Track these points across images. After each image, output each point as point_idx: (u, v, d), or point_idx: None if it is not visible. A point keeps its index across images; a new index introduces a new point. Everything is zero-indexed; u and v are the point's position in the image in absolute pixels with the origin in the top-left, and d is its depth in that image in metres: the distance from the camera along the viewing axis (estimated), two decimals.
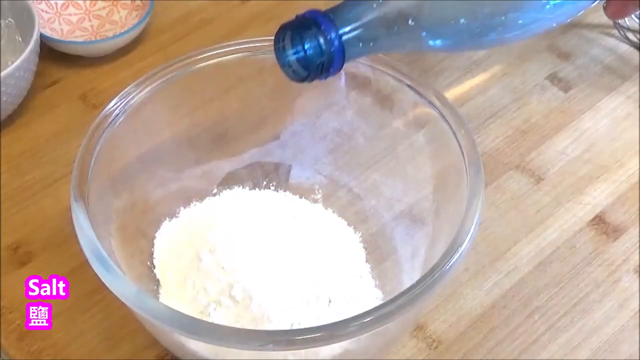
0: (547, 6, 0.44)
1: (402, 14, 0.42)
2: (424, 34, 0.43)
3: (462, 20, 0.43)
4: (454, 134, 0.48)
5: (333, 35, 0.41)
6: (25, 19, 0.63)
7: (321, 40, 0.41)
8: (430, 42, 0.44)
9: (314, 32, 0.41)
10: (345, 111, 0.55)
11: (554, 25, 0.47)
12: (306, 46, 0.41)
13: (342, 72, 0.43)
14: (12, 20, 0.66)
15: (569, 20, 0.47)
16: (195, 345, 0.44)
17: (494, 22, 0.44)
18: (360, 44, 0.42)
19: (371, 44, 0.43)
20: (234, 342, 0.40)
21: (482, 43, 0.47)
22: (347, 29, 0.41)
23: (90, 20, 0.70)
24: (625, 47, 0.69)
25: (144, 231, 0.52)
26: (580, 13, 0.46)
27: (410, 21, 0.42)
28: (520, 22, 0.44)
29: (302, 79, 0.43)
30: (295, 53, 0.43)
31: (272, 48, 0.44)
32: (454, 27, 0.44)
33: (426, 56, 0.67)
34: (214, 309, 0.47)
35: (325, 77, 0.43)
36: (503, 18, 0.44)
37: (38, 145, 0.62)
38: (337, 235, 0.54)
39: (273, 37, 0.43)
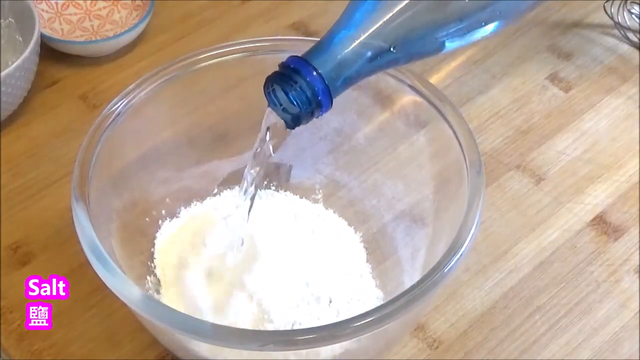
0: None
1: (384, 45, 0.42)
2: (410, 54, 0.44)
3: (441, 32, 0.43)
4: (455, 134, 0.47)
5: (317, 83, 0.41)
6: (26, 19, 0.63)
7: (306, 90, 0.41)
8: (415, 57, 0.44)
9: (298, 84, 0.41)
10: (345, 111, 0.55)
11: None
12: (292, 99, 0.41)
13: None
14: (12, 20, 0.65)
15: None
16: (195, 345, 0.44)
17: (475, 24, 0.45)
18: (346, 81, 0.42)
19: (357, 78, 0.43)
20: (234, 342, 0.40)
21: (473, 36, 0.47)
22: (329, 70, 0.41)
23: (90, 20, 0.70)
24: (625, 47, 0.69)
25: (144, 231, 0.52)
26: None
27: (392, 49, 0.42)
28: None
29: (296, 124, 0.43)
30: (285, 100, 0.43)
31: (272, 48, 0.43)
32: (437, 38, 0.44)
33: None
34: None
35: (318, 117, 0.43)
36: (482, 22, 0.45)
37: (38, 145, 0.62)
38: (338, 235, 0.54)
39: (272, 39, 0.43)
